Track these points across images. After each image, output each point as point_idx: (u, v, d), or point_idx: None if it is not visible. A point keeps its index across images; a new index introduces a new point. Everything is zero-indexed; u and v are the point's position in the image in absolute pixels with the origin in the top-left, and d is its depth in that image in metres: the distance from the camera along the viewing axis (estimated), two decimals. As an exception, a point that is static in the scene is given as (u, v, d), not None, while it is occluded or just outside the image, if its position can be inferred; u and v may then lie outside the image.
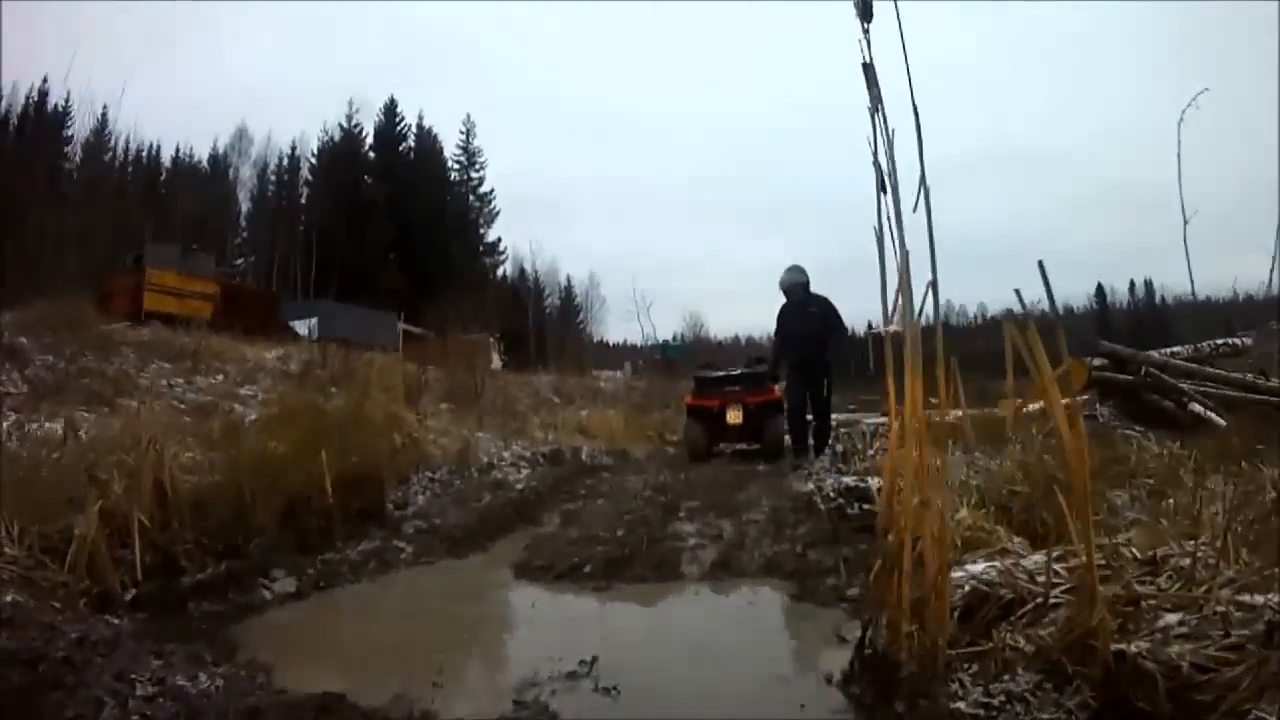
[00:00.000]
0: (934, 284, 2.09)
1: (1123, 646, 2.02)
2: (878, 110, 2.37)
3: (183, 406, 6.79)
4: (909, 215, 2.25)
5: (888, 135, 2.36)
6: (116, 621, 2.76)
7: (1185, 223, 2.31)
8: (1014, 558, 2.88)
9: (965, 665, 2.20)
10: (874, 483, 4.03)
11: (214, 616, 2.99)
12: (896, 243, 2.24)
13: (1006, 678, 2.11)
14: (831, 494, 4.01)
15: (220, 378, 8.42)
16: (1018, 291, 2.09)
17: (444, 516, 4.44)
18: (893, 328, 2.26)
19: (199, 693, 2.08)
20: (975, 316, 62.41)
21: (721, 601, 3.11)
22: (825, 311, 7.37)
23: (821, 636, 2.64)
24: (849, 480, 4.15)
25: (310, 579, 3.41)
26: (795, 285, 7.56)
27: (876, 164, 2.83)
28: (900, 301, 2.18)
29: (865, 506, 3.88)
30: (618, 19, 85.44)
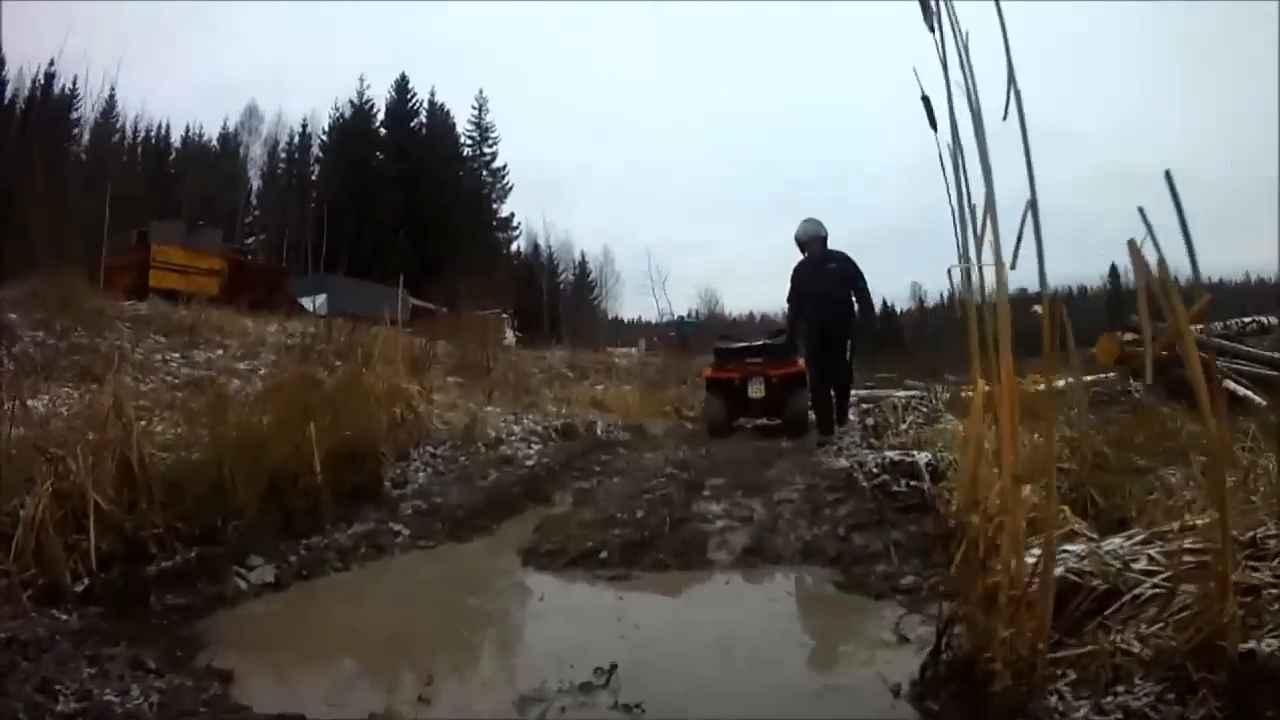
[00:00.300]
0: (1033, 204, 1.64)
1: (1250, 645, 1.65)
2: (936, 21, 1.93)
3: (176, 381, 6.45)
4: (995, 125, 1.80)
5: (961, 40, 1.91)
6: (64, 618, 2.40)
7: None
8: (1086, 541, 2.50)
9: (1059, 672, 1.81)
10: (921, 457, 3.61)
11: (178, 611, 2.62)
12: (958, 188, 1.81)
13: (1120, 689, 1.72)
14: (874, 469, 3.59)
15: (219, 352, 8.09)
16: (1141, 210, 1.63)
17: (446, 495, 4.06)
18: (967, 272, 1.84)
19: (126, 712, 1.70)
20: (989, 293, 61.85)
21: (757, 593, 2.71)
22: (846, 268, 6.59)
23: (879, 635, 2.24)
24: (893, 454, 3.72)
25: (292, 566, 3.04)
26: (814, 238, 6.78)
27: (925, 98, 2.46)
28: (988, 233, 1.74)
29: (913, 483, 3.47)
30: (617, 16, 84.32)
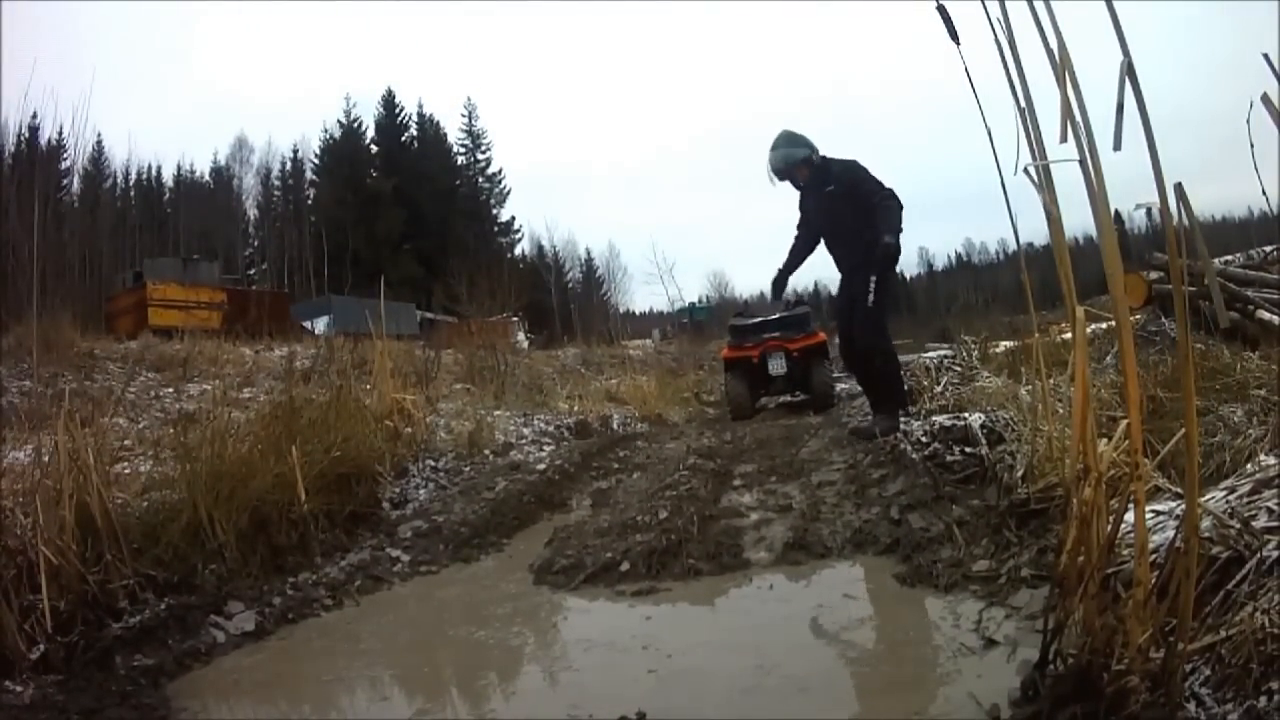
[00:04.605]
0: (1129, 66, 1.23)
1: None
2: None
3: (168, 417, 6.15)
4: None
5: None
6: (17, 689, 2.10)
7: None
8: (1170, 498, 2.13)
9: (1188, 669, 1.43)
10: (974, 419, 3.21)
11: (146, 673, 2.27)
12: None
13: (1275, 684, 1.35)
14: (923, 438, 3.18)
15: (216, 383, 7.80)
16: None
17: (449, 512, 3.70)
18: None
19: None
20: (996, 253, 61.17)
21: (804, 596, 2.32)
22: (854, 182, 4.72)
23: (958, 639, 1.84)
24: (942, 419, 3.32)
25: (276, 610, 2.68)
26: (794, 165, 4.83)
27: (941, 7, 2.16)
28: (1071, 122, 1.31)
29: (968, 450, 3.07)
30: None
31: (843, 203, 4.66)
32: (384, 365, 4.76)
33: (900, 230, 4.59)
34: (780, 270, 5.25)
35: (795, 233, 5.23)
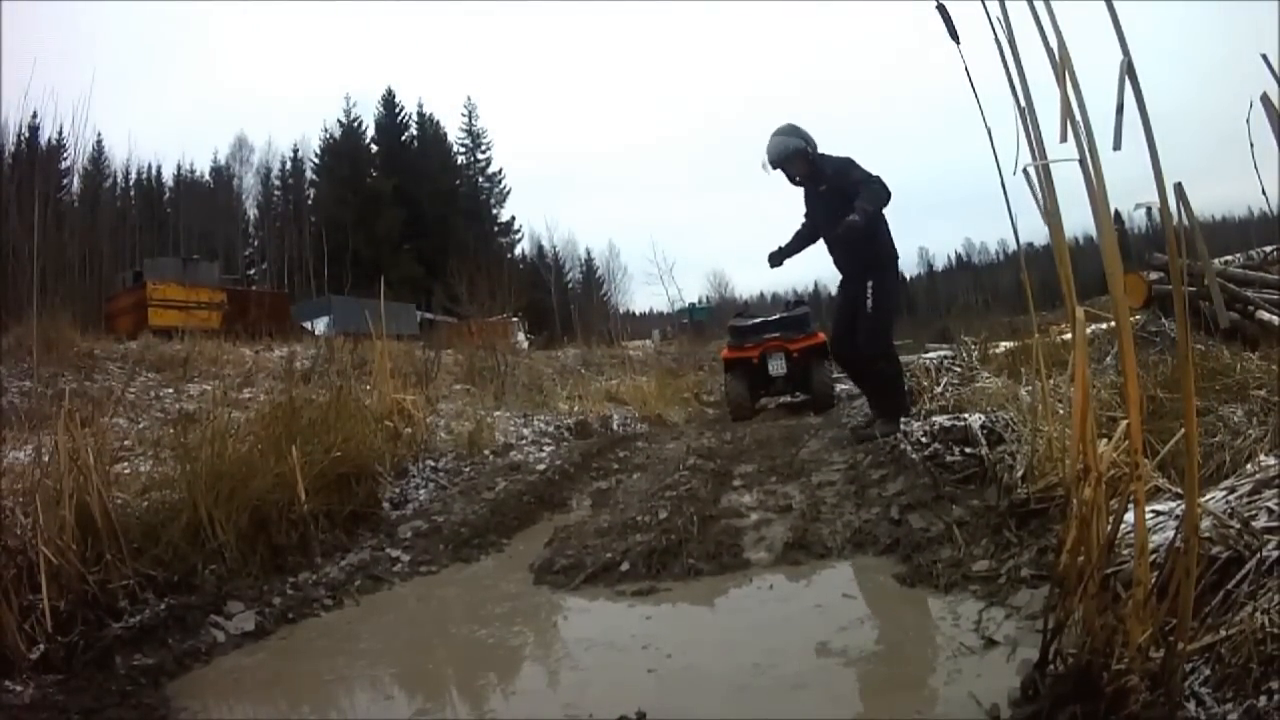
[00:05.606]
0: (1129, 66, 1.23)
1: None
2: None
3: (168, 417, 6.15)
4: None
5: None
6: (17, 689, 2.10)
7: None
8: (1170, 498, 2.13)
9: (1188, 668, 1.43)
10: (974, 419, 3.21)
11: (146, 673, 2.27)
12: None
13: (1275, 684, 1.35)
14: (923, 439, 3.18)
15: (215, 383, 7.81)
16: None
17: (449, 512, 3.70)
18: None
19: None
20: (996, 253, 61.12)
21: (804, 596, 2.32)
22: (846, 180, 4.59)
23: (958, 639, 1.84)
24: (942, 419, 3.32)
25: (276, 610, 2.68)
26: (788, 156, 4.74)
27: (941, 6, 2.17)
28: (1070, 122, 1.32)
29: (968, 450, 3.07)
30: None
31: (837, 202, 4.53)
32: (384, 365, 4.77)
33: (872, 212, 4.47)
34: (780, 247, 5.12)
35: (802, 222, 5.11)
